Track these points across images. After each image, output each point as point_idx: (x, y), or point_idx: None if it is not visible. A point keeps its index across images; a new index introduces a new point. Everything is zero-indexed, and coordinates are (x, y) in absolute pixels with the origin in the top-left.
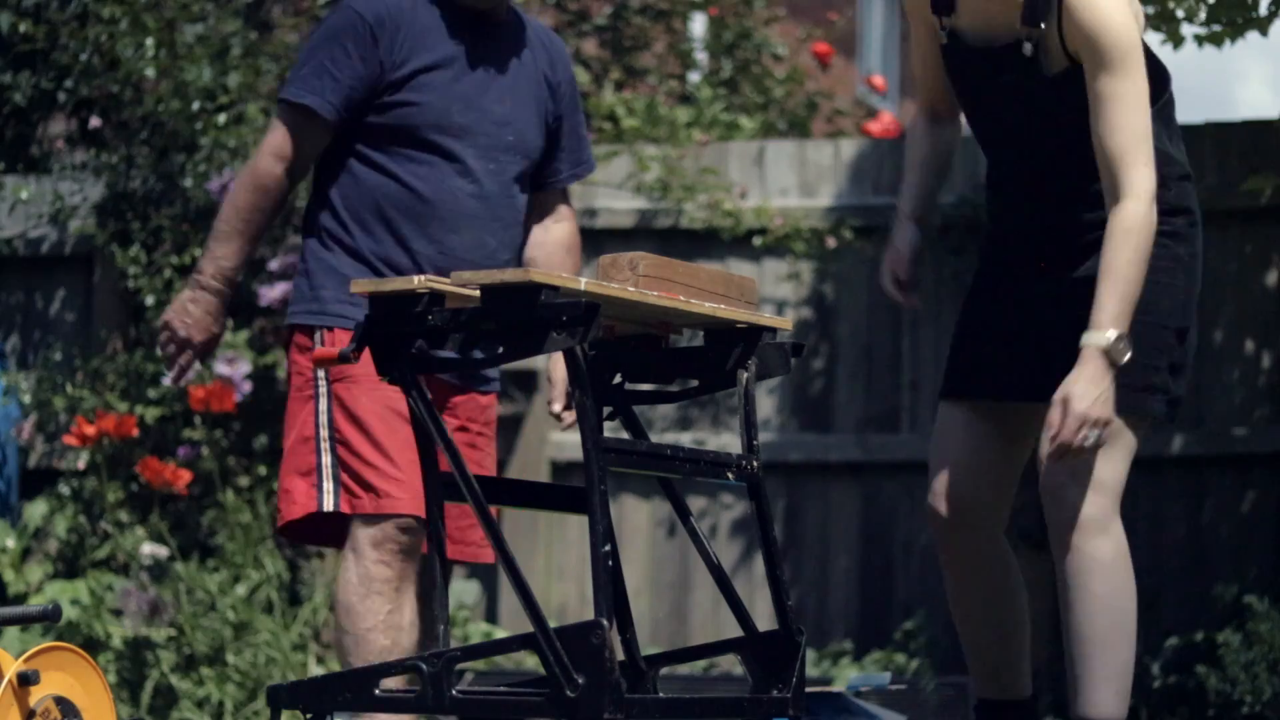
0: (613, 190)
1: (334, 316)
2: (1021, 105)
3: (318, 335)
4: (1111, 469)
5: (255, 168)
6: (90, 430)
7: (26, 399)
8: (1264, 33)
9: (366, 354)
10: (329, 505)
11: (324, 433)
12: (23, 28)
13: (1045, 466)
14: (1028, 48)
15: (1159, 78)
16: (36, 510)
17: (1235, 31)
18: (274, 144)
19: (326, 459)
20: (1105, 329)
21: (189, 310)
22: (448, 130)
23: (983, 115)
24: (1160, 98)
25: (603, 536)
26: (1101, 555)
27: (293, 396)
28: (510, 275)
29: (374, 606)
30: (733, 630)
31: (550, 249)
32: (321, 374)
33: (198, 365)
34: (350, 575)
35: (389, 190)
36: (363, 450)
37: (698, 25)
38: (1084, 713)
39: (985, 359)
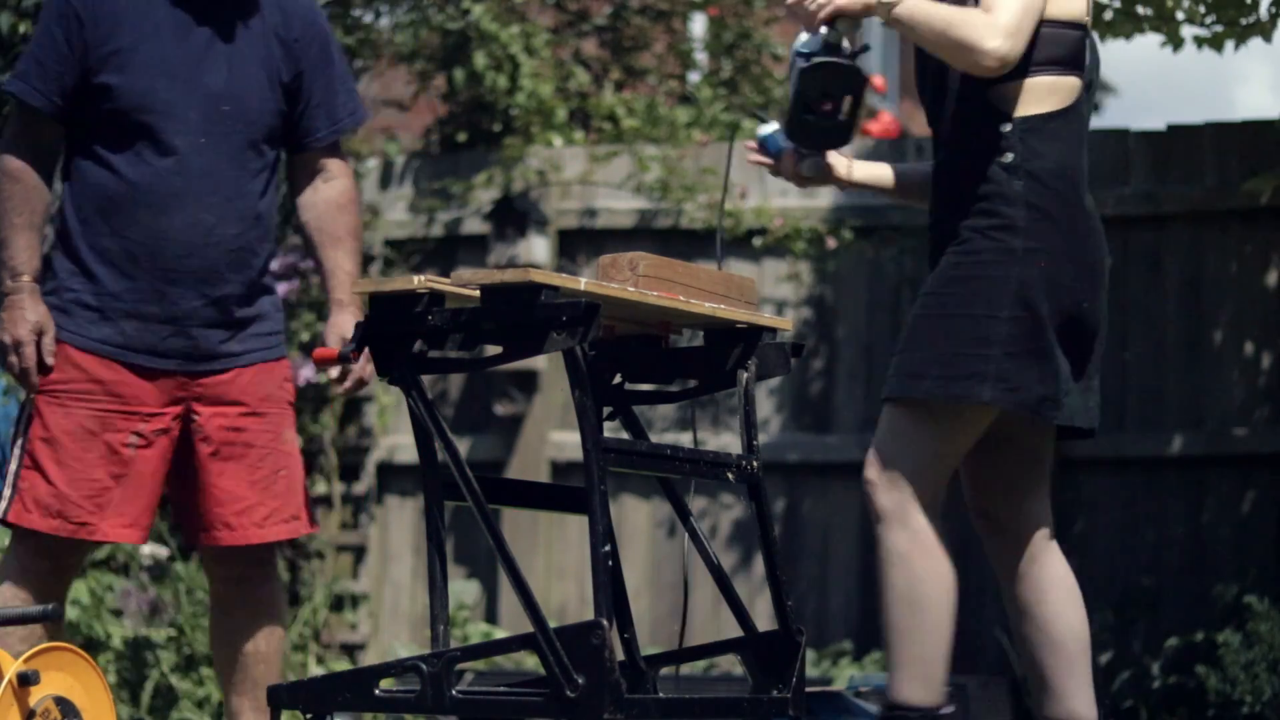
0: (613, 190)
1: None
2: (928, 102)
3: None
4: (912, 460)
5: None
6: None
7: None
8: (1267, 38)
9: (76, 368)
10: (0, 511)
11: (20, 439)
12: (22, 28)
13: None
14: None
15: (1073, 63)
16: None
17: (1237, 36)
18: (10, 133)
19: (13, 465)
20: None
21: (2, 320)
22: (152, 109)
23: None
24: (1069, 89)
25: (603, 536)
26: (898, 547)
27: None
28: (510, 275)
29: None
30: (733, 630)
31: (321, 209)
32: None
33: (50, 351)
34: None
35: (103, 180)
36: (46, 465)
37: (697, 25)
38: (890, 697)
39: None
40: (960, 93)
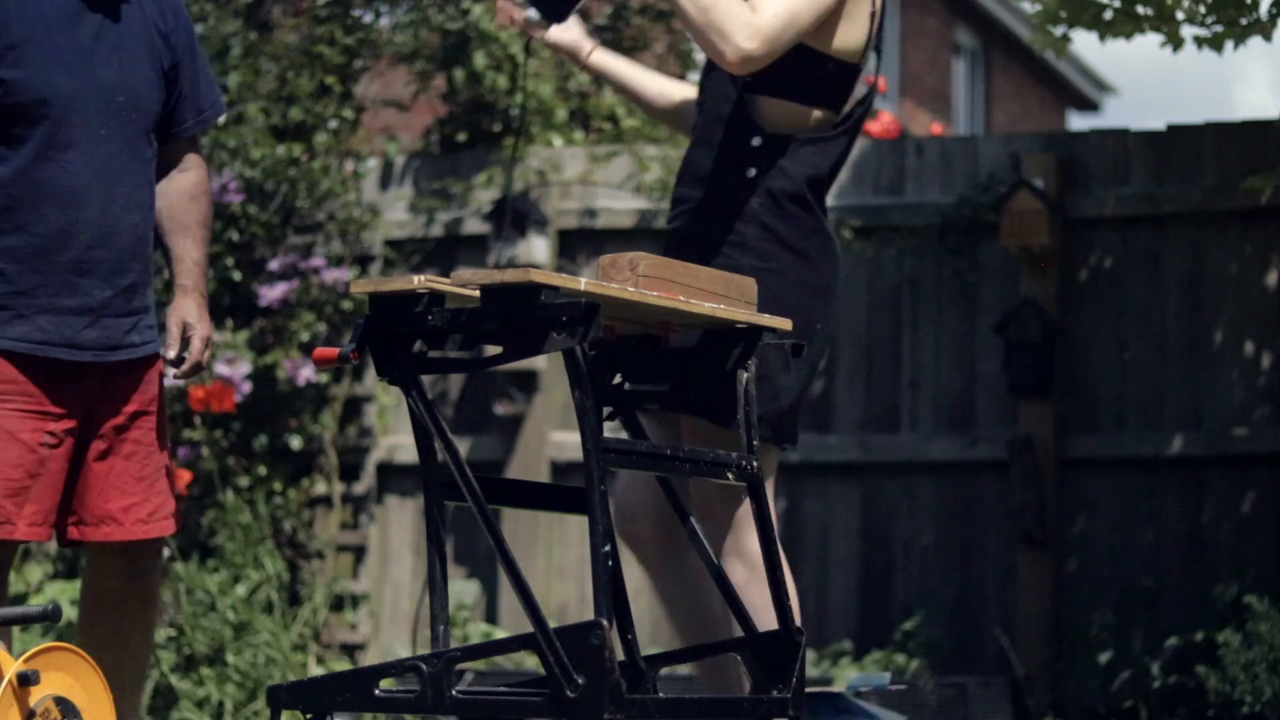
0: (613, 190)
1: None
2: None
3: None
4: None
5: None
6: None
7: None
8: (1267, 37)
9: None
10: None
11: None
12: None
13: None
14: None
15: (838, 97)
16: None
17: (1237, 35)
18: None
19: None
20: None
21: None
22: (52, 104)
23: None
24: (829, 117)
25: (603, 536)
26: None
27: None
28: (510, 275)
29: None
30: (732, 630)
31: (173, 198)
32: None
33: None
34: None
35: (6, 177)
36: None
37: None
38: None
39: None
40: (727, 91)
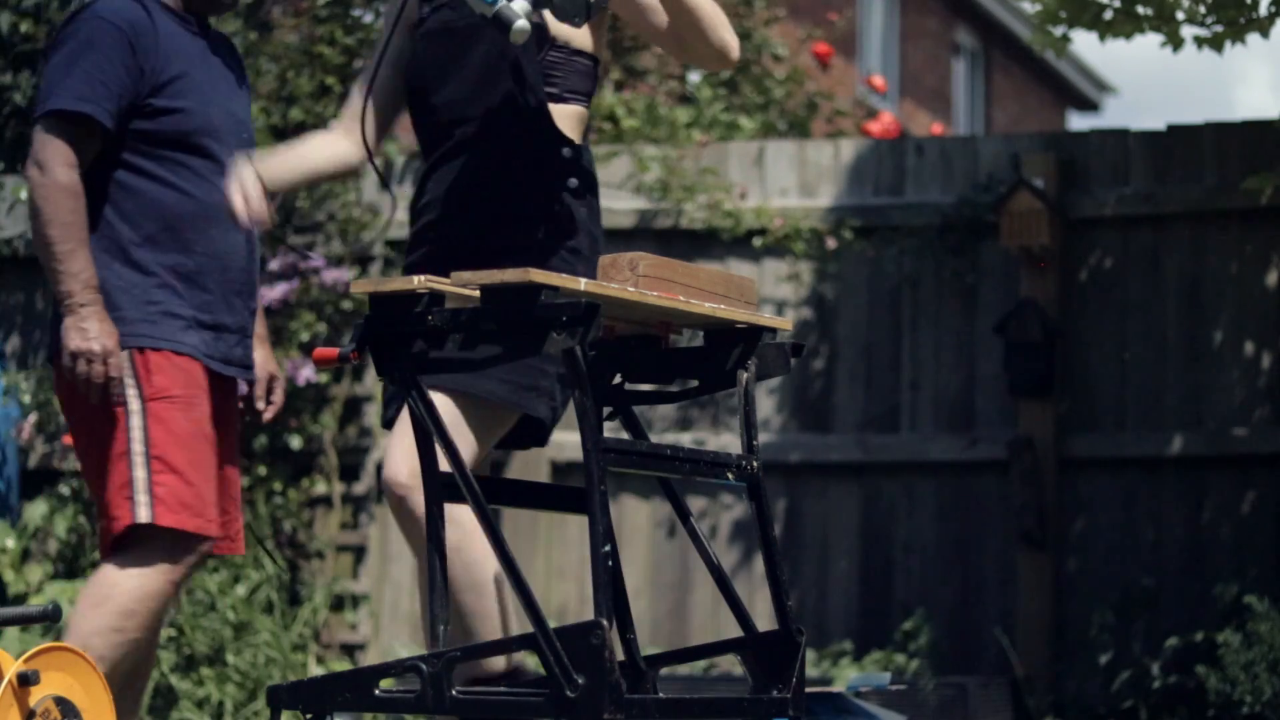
0: (613, 190)
1: (140, 337)
2: (453, 92)
3: (126, 357)
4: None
5: (59, 183)
6: None
7: (26, 399)
8: (1265, 34)
9: (184, 373)
10: (144, 517)
11: (138, 448)
12: (23, 28)
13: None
14: None
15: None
16: (36, 510)
17: (1235, 34)
18: (63, 155)
19: (140, 473)
20: None
21: (87, 329)
22: (210, 133)
23: None
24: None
25: (603, 536)
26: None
27: (93, 414)
28: (510, 275)
29: (154, 618)
30: (733, 630)
31: None
32: (132, 390)
33: (126, 367)
34: (134, 582)
35: (167, 199)
36: (182, 468)
37: None
38: (480, 673)
39: None
40: (524, 102)
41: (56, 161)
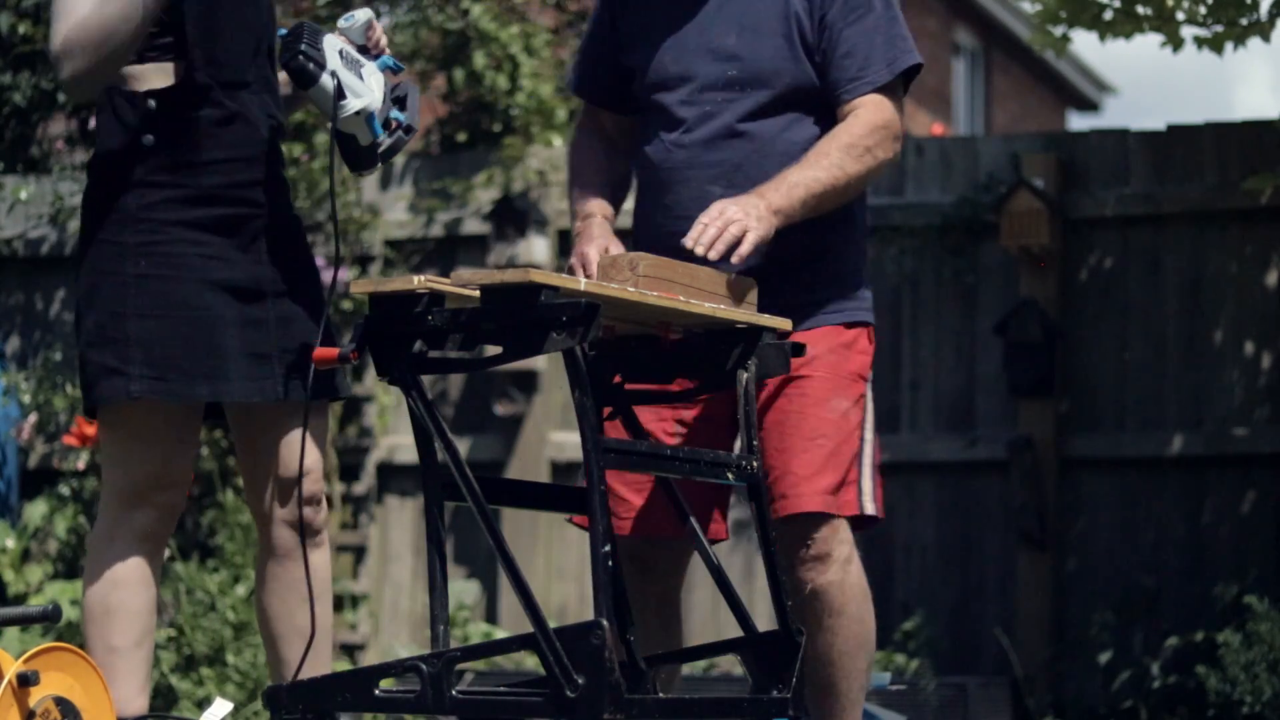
0: None
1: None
2: None
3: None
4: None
5: (896, 150)
6: (90, 430)
7: (26, 399)
8: (1266, 38)
9: None
10: (870, 509)
11: (868, 434)
12: (22, 28)
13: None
14: None
15: None
16: (36, 510)
17: (1236, 36)
18: (897, 127)
19: (868, 464)
20: None
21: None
22: (663, 85)
23: None
24: None
25: (603, 536)
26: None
27: (837, 391)
28: (510, 275)
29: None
30: (733, 630)
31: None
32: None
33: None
34: (851, 576)
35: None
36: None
37: None
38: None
39: None
40: None
41: (894, 131)
